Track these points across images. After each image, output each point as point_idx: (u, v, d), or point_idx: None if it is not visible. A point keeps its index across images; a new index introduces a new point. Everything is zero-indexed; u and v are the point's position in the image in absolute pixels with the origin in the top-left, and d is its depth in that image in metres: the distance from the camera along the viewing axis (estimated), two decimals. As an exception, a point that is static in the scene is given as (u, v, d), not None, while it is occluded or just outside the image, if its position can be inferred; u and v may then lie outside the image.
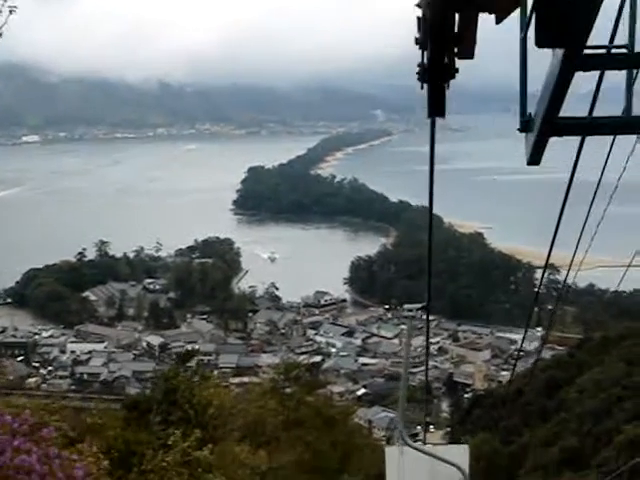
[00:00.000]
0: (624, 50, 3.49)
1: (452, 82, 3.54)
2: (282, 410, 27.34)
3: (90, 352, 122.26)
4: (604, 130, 3.79)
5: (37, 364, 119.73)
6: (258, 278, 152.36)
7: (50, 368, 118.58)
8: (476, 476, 11.79)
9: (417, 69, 3.50)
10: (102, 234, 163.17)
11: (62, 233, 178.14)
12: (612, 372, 52.43)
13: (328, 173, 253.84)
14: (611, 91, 4.35)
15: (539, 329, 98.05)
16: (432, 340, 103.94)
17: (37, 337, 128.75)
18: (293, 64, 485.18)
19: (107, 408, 27.59)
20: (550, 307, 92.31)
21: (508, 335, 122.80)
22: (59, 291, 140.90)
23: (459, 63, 3.50)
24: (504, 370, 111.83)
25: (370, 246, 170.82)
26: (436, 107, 3.55)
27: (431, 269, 6.63)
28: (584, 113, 3.76)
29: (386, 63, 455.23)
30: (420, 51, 3.49)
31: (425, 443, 18.04)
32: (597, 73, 3.70)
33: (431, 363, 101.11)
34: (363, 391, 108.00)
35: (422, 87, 3.53)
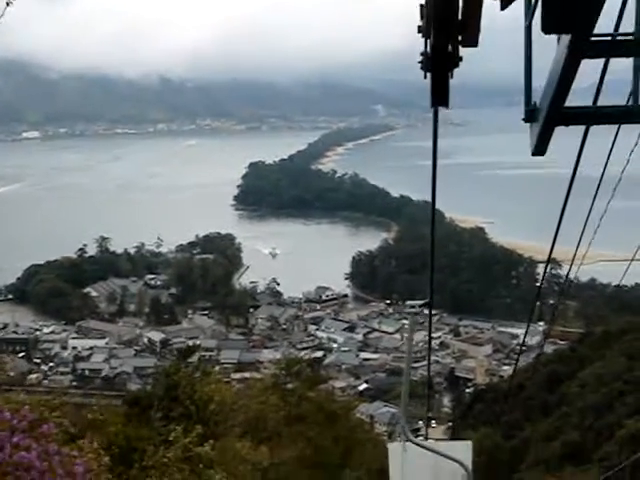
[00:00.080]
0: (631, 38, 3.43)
1: (453, 78, 3.46)
2: (284, 406, 27.29)
3: (91, 348, 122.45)
4: (611, 119, 3.74)
5: (38, 360, 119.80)
6: (259, 273, 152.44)
7: (51, 364, 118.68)
8: (478, 471, 11.74)
9: (420, 58, 3.42)
10: (103, 230, 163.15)
11: (63, 229, 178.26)
12: (613, 367, 52.48)
13: (329, 168, 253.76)
14: (612, 82, 4.30)
15: (541, 323, 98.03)
16: (433, 335, 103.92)
17: (38, 333, 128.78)
18: (293, 59, 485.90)
19: (108, 404, 27.60)
20: (552, 301, 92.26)
21: (509, 330, 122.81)
22: (60, 287, 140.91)
23: (463, 51, 3.42)
24: (505, 365, 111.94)
25: (371, 241, 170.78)
26: (440, 96, 3.47)
27: (434, 265, 6.54)
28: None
29: (386, 58, 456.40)
30: (423, 39, 3.41)
31: (427, 438, 18.00)
32: (598, 67, 3.65)
33: (432, 358, 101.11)
34: (365, 386, 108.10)
35: (425, 76, 3.45)
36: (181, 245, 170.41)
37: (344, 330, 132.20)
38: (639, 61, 3.64)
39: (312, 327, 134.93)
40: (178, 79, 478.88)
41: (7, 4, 7.46)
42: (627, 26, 3.53)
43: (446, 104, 3.51)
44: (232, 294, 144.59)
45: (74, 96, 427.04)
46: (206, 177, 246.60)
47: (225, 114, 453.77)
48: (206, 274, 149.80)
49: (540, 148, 3.66)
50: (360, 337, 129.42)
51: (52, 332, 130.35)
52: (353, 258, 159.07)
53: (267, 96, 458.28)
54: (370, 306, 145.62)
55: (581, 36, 2.97)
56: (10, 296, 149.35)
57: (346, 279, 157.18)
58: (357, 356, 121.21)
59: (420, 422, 64.83)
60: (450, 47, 3.33)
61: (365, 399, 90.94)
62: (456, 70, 3.40)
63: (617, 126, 4.75)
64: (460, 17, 3.23)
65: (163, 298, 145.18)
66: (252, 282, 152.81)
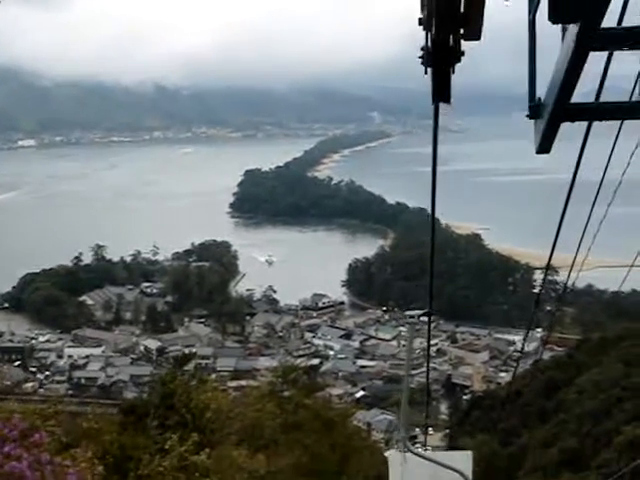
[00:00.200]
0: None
1: (454, 74, 3.35)
2: (280, 413, 27.13)
3: (87, 356, 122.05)
4: (617, 114, 3.65)
5: (34, 369, 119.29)
6: (255, 281, 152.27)
7: (47, 373, 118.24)
8: (475, 479, 11.65)
9: (420, 53, 3.30)
10: (99, 238, 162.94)
11: (59, 237, 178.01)
12: (611, 373, 52.40)
13: (325, 175, 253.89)
14: (613, 80, 4.23)
15: (538, 330, 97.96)
16: (431, 342, 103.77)
17: (34, 342, 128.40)
18: (289, 66, 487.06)
19: (104, 412, 27.40)
20: (549, 308, 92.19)
21: (506, 336, 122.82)
22: (56, 295, 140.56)
23: (465, 44, 3.30)
24: (503, 371, 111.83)
25: (368, 248, 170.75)
26: (441, 92, 3.36)
27: (433, 273, 6.42)
28: None
29: (382, 65, 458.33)
30: (422, 38, 3.29)
31: (425, 446, 17.87)
32: (598, 71, 3.57)
33: (430, 365, 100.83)
34: (362, 393, 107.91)
35: (425, 72, 3.33)
36: (177, 253, 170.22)
37: (341, 337, 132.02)
38: None
39: (309, 334, 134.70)
40: (173, 87, 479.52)
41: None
42: (627, 23, 3.45)
43: (448, 100, 3.39)
44: (228, 302, 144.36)
45: (70, 104, 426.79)
46: (202, 185, 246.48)
47: (221, 121, 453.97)
48: (202, 282, 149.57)
49: (544, 146, 3.56)
50: (357, 344, 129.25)
51: (48, 340, 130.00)
52: (349, 265, 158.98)
53: (263, 103, 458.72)
54: (367, 313, 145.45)
55: (590, 26, 2.86)
56: (6, 304, 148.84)
57: (342, 286, 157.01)
58: (354, 363, 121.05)
59: (417, 429, 64.62)
60: (452, 41, 3.22)
61: (362, 406, 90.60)
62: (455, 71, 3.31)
63: (617, 128, 4.68)
64: (462, 9, 3.12)
65: (159, 306, 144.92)
66: (248, 290, 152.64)
